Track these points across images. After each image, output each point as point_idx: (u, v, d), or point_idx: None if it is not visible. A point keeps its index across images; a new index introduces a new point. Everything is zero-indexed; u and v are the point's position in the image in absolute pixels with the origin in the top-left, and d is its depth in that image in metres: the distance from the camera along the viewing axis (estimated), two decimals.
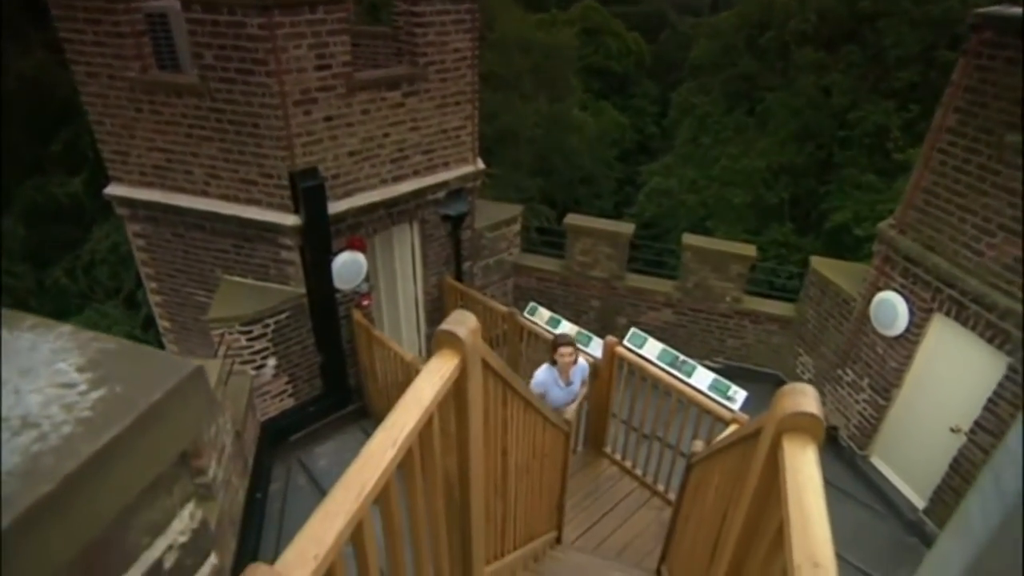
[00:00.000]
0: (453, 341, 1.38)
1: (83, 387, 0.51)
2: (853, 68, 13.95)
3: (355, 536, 1.10)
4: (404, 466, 1.28)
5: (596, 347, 5.39)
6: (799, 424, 1.20)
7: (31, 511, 0.41)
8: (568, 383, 4.34)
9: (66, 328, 0.58)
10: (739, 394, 4.40)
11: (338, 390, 6.13)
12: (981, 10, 4.16)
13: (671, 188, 16.72)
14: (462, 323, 1.39)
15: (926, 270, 4.84)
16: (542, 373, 4.30)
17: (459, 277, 6.65)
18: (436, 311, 6.71)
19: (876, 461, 5.62)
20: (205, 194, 5.25)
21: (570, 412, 4.28)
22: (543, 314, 6.14)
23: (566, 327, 5.82)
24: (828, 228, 13.53)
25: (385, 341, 5.44)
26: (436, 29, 5.40)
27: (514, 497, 2.54)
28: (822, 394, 6.20)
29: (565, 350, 4.18)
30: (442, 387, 1.31)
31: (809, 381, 6.25)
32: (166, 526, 0.57)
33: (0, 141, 9.79)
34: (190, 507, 0.60)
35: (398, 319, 6.70)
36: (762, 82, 15.90)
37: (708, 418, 4.29)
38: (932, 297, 4.84)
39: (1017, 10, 3.92)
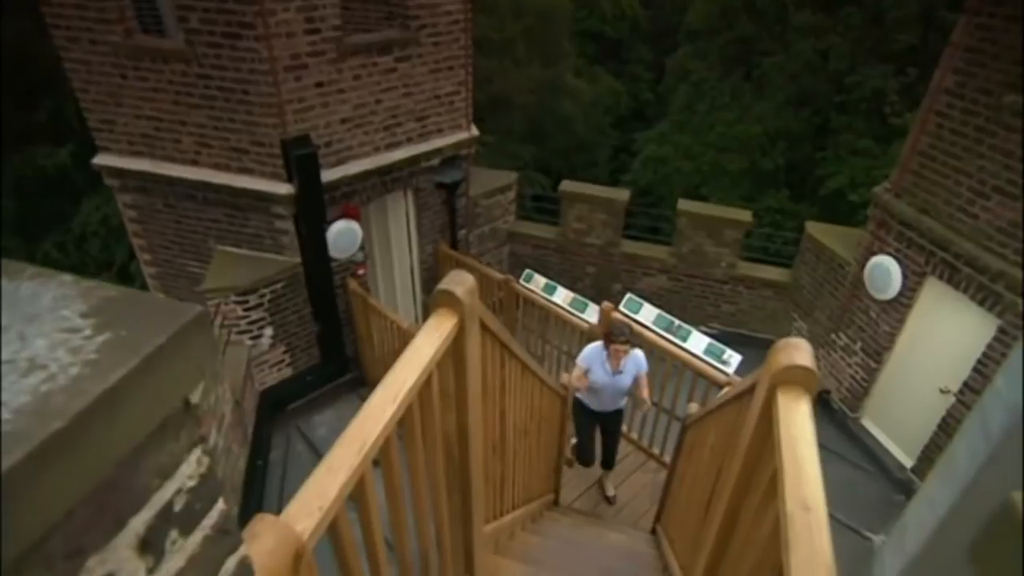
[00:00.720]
0: (451, 300, 1.38)
1: (88, 332, 0.51)
2: (852, 31, 13.73)
3: (357, 491, 1.12)
4: (404, 423, 1.30)
5: (592, 313, 5.41)
6: (793, 377, 1.22)
7: (45, 445, 0.41)
8: (617, 371, 3.95)
9: (67, 277, 0.58)
10: (734, 358, 4.45)
11: (335, 359, 6.17)
12: None
13: (666, 155, 16.59)
14: (460, 283, 1.40)
15: (920, 234, 4.86)
16: (591, 349, 4.02)
17: (454, 245, 6.64)
18: (432, 280, 6.71)
19: (867, 423, 5.73)
20: (195, 163, 5.18)
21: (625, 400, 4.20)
22: (539, 281, 6.15)
23: (562, 294, 5.84)
24: (823, 194, 13.49)
25: (381, 309, 5.46)
26: None
27: (512, 458, 2.58)
28: (815, 359, 6.28)
29: (620, 347, 3.83)
30: (441, 345, 1.32)
31: None
32: (174, 470, 0.58)
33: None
34: (197, 453, 0.61)
35: (394, 288, 6.70)
36: (759, 46, 15.65)
37: (703, 382, 4.36)
38: (926, 261, 4.87)
39: None
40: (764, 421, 1.25)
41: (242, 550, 0.72)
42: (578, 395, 4.17)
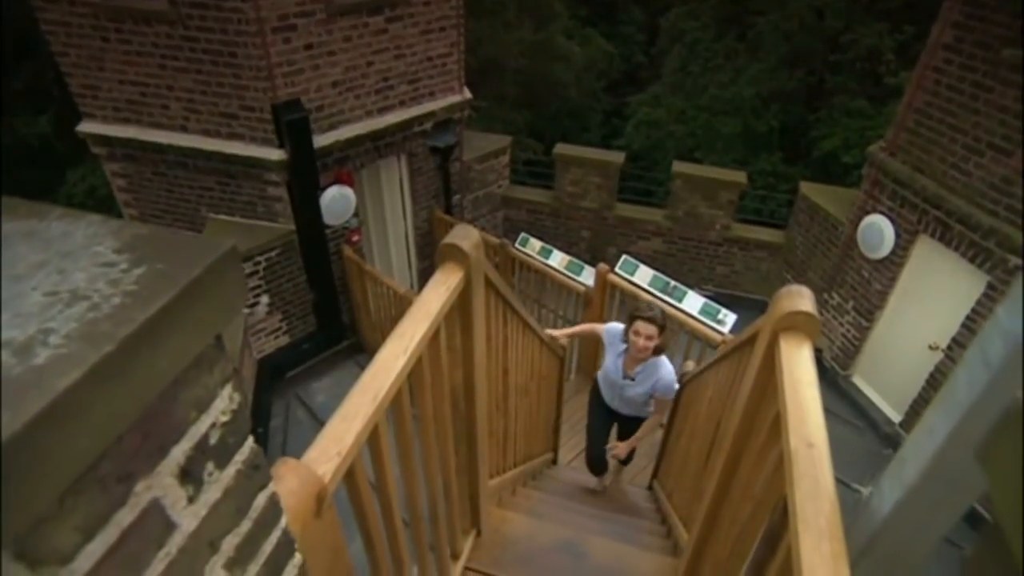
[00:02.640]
0: (457, 254, 1.39)
1: (124, 266, 0.52)
2: None
3: (371, 439, 1.15)
4: (414, 376, 1.32)
5: (588, 276, 5.44)
6: (795, 323, 1.25)
7: (98, 368, 0.43)
8: (629, 377, 3.14)
9: (95, 217, 0.58)
10: (729, 317, 4.50)
11: (332, 326, 6.19)
12: None
13: (659, 118, 16.43)
14: (466, 236, 1.41)
15: (914, 192, 4.88)
16: (612, 330, 3.22)
17: (449, 211, 6.60)
18: (427, 245, 6.69)
19: (857, 380, 5.85)
20: (184, 129, 5.09)
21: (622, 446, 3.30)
22: (534, 244, 6.15)
23: (558, 257, 5.85)
24: (817, 156, 13.47)
25: (377, 275, 5.46)
26: None
27: (514, 416, 2.63)
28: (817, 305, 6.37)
29: (643, 327, 2.89)
30: (448, 298, 1.34)
31: None
32: (210, 403, 0.60)
33: None
34: (228, 389, 0.62)
35: (388, 255, 6.68)
36: (754, 5, 15.36)
37: (698, 343, 4.42)
38: (918, 219, 4.90)
39: None
40: (767, 366, 1.29)
41: (271, 487, 0.75)
42: (598, 376, 3.46)
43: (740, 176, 6.70)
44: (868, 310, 5.53)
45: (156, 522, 0.55)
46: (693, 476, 2.40)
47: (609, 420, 3.55)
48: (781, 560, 1.05)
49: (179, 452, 0.57)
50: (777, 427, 1.17)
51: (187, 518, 0.59)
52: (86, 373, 0.42)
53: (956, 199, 4.54)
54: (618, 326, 3.21)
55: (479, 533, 2.09)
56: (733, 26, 16.09)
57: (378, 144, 5.62)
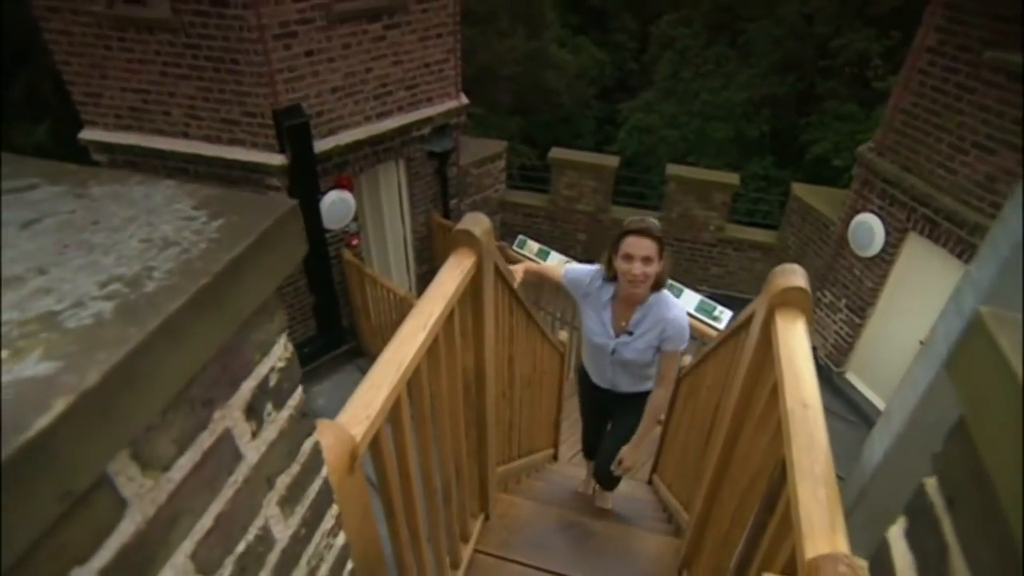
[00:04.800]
0: (470, 239, 1.47)
1: (204, 219, 0.59)
2: None
3: (393, 411, 1.21)
4: (431, 354, 1.40)
5: None
6: (790, 298, 1.33)
7: (196, 297, 0.50)
8: (626, 331, 2.30)
9: (169, 181, 0.65)
10: (725, 314, 4.59)
11: (332, 330, 6.24)
12: None
13: (652, 124, 16.60)
14: (477, 223, 1.48)
15: (903, 191, 5.00)
16: (580, 275, 2.39)
17: (447, 215, 6.68)
18: (425, 249, 6.77)
19: (851, 377, 5.94)
20: (186, 136, 5.16)
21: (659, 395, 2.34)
22: (532, 246, 6.24)
23: (556, 258, 5.93)
24: (808, 160, 13.65)
25: (377, 278, 5.53)
26: None
27: (519, 407, 2.70)
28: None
29: (636, 245, 2.06)
30: (462, 281, 1.41)
31: None
32: (270, 348, 0.67)
33: None
34: (284, 338, 0.70)
35: (387, 259, 6.75)
36: (744, 12, 15.60)
37: (695, 341, 4.50)
38: (907, 217, 5.02)
39: None
40: (764, 340, 1.37)
41: (315, 435, 0.82)
42: (583, 358, 2.70)
43: (733, 178, 6.82)
44: (860, 307, 5.64)
45: (228, 450, 0.62)
46: (693, 462, 2.47)
47: (596, 402, 2.77)
48: (780, 515, 1.12)
49: (246, 389, 0.64)
50: (775, 396, 1.25)
51: (251, 451, 0.66)
52: (188, 299, 0.49)
53: (943, 197, 4.65)
54: (586, 268, 2.40)
55: (487, 517, 2.16)
56: (724, 32, 16.32)
57: (377, 149, 5.70)
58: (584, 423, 3.13)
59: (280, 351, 0.69)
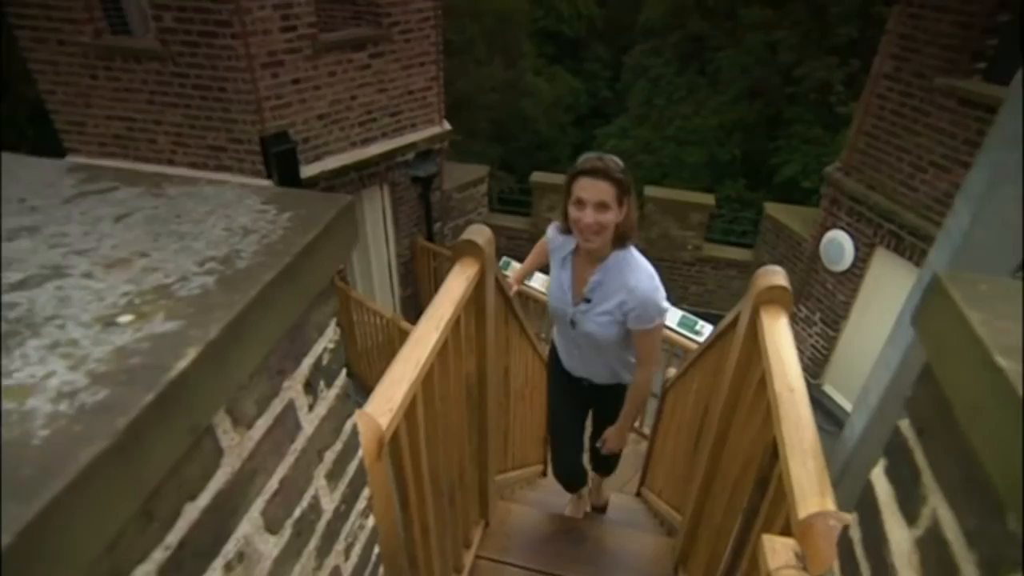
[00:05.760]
0: (473, 249, 1.56)
1: (274, 212, 0.67)
2: (798, 25, 14.39)
3: (410, 408, 1.28)
4: (441, 355, 1.47)
5: None
6: (773, 296, 1.44)
7: (282, 274, 0.58)
8: (584, 298, 1.91)
9: (235, 182, 0.74)
10: (706, 328, 4.73)
11: None
12: None
13: (627, 149, 17.00)
14: (480, 233, 1.58)
15: (869, 208, 5.24)
16: (552, 231, 2.10)
17: (430, 238, 6.77)
18: (409, 273, 6.83)
19: (828, 388, 6.11)
20: (171, 163, 5.20)
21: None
22: (516, 268, 6.34)
23: (538, 279, 6.04)
24: (778, 182, 14.11)
25: (364, 301, 5.56)
26: None
27: (514, 418, 2.76)
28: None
29: (588, 187, 1.71)
30: (468, 287, 1.50)
31: None
32: (325, 329, 0.75)
33: None
34: (334, 322, 0.78)
35: (371, 282, 6.79)
36: (712, 42, 16.23)
37: (677, 358, 4.63)
38: (874, 232, 5.26)
39: None
40: (750, 336, 1.47)
41: (355, 417, 0.89)
42: (553, 330, 2.27)
43: (709, 198, 7.06)
44: (834, 320, 5.84)
45: (291, 419, 0.70)
46: (683, 467, 2.55)
47: (579, 400, 2.28)
48: (773, 493, 1.22)
49: (307, 364, 0.71)
50: (762, 387, 1.35)
51: (307, 423, 0.74)
52: (277, 274, 0.57)
53: (906, 213, 4.90)
54: (552, 228, 2.08)
55: (487, 524, 2.21)
56: (693, 61, 16.93)
57: (362, 174, 5.79)
58: (553, 433, 2.46)
59: (331, 333, 0.77)
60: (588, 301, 1.91)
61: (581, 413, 2.39)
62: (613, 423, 2.17)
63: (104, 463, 0.38)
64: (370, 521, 1.00)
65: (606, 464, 2.55)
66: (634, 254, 1.86)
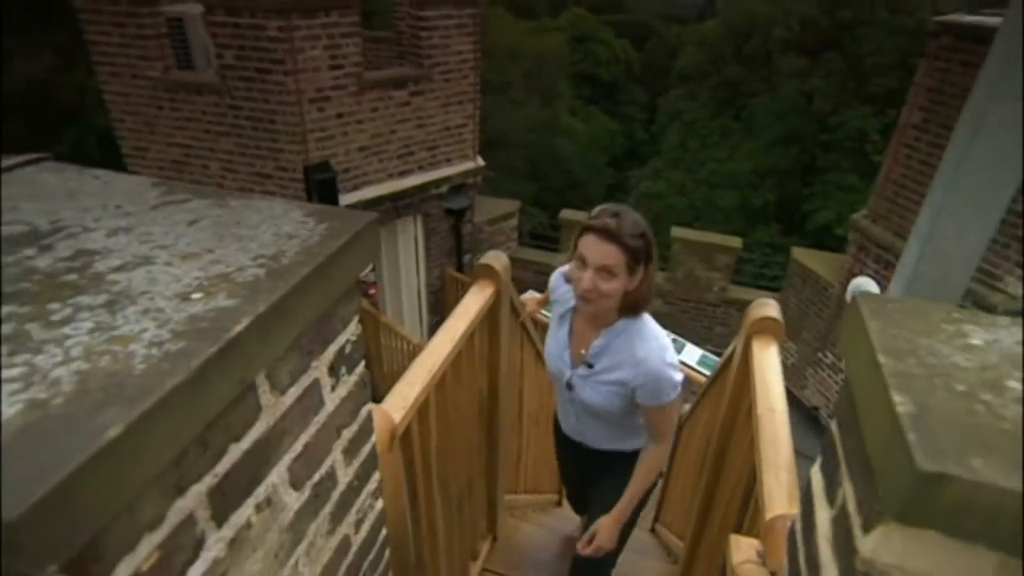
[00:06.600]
0: (489, 272, 1.71)
1: (312, 223, 0.83)
2: (834, 75, 14.50)
3: (422, 408, 1.41)
4: (454, 366, 1.60)
5: None
6: (764, 327, 1.54)
7: (316, 271, 0.73)
8: (585, 362, 1.67)
9: (281, 199, 0.90)
10: None
11: None
12: (938, 18, 4.59)
13: (660, 191, 17.16)
14: (497, 259, 1.72)
15: (896, 255, 5.23)
16: (556, 277, 1.81)
17: (460, 268, 6.98)
18: (438, 302, 7.02)
19: None
20: (221, 187, 5.54)
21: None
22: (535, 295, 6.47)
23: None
24: (811, 228, 14.01)
25: (392, 326, 5.75)
26: (440, 33, 5.75)
27: (526, 442, 2.86)
28: (804, 377, 6.59)
29: (592, 247, 1.46)
30: (483, 306, 1.64)
31: (792, 365, 6.63)
32: (348, 322, 0.89)
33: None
34: (356, 318, 0.92)
35: (401, 308, 7.00)
36: (747, 88, 16.44)
37: (694, 396, 4.64)
38: None
39: (970, 18, 4.34)
40: (744, 363, 1.57)
41: (370, 405, 1.03)
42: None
43: (736, 241, 7.11)
44: None
45: (316, 394, 0.84)
46: (690, 497, 2.60)
47: (579, 464, 2.03)
48: (753, 507, 1.30)
49: (332, 350, 0.86)
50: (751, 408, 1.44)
51: (329, 401, 0.87)
52: (312, 269, 0.72)
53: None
54: (557, 275, 1.81)
55: (495, 539, 2.29)
56: (729, 106, 17.14)
57: (397, 204, 6.06)
58: (563, 483, 2.47)
59: (353, 328, 0.91)
60: (590, 366, 1.66)
61: (578, 477, 2.15)
62: (601, 494, 1.78)
63: (180, 391, 0.53)
64: (379, 503, 1.12)
65: (599, 566, 1.86)
66: (646, 322, 1.65)
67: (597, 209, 1.51)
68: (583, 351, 1.67)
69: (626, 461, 1.75)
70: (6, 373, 0.52)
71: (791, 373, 6.55)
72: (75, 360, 0.54)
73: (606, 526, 1.69)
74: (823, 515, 0.72)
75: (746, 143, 16.01)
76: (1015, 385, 0.55)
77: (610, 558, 1.85)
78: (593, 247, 1.46)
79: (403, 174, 6.00)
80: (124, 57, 5.17)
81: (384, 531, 1.17)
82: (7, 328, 0.57)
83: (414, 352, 5.47)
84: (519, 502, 2.86)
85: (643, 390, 1.58)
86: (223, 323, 0.60)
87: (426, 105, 5.90)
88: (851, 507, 0.63)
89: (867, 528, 0.56)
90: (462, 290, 7.00)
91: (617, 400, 1.64)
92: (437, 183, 6.32)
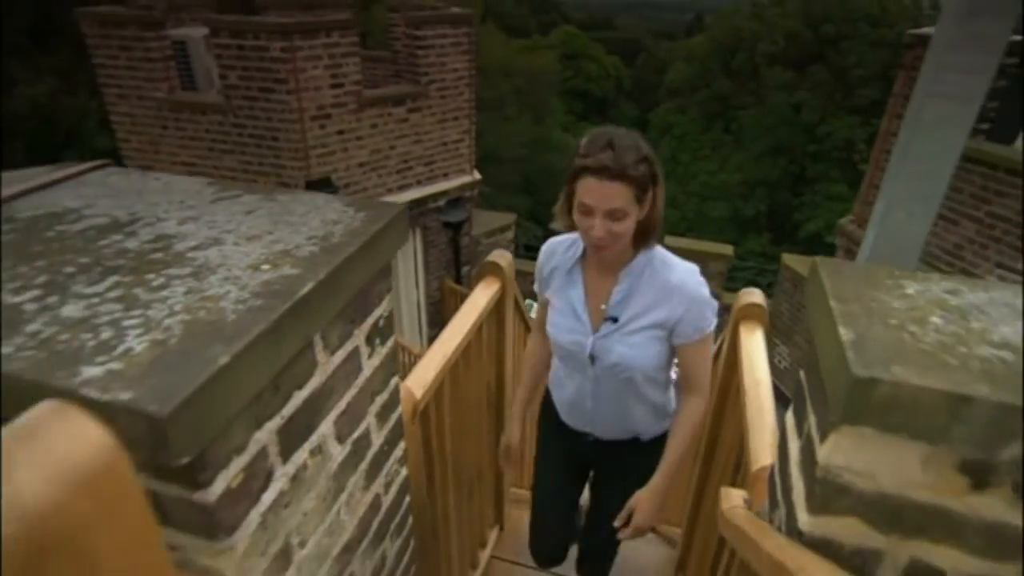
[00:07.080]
0: (495, 269, 1.84)
1: (352, 212, 0.96)
2: (820, 86, 14.84)
3: (438, 391, 1.54)
4: (465, 354, 1.73)
5: None
6: (750, 312, 1.68)
7: (362, 247, 0.86)
8: (609, 316, 1.45)
9: (321, 193, 1.04)
10: None
11: None
12: (913, 31, 4.80)
13: None
14: (502, 257, 1.86)
15: None
16: (551, 247, 1.67)
17: (459, 280, 7.11)
18: (437, 313, 7.14)
19: None
20: None
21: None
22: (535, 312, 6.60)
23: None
24: (802, 237, 14.24)
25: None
26: (436, 51, 5.94)
27: (530, 441, 2.96)
28: (797, 379, 6.72)
29: (593, 189, 1.28)
30: (490, 300, 1.77)
31: (785, 369, 6.77)
32: (383, 299, 1.02)
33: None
34: (389, 296, 1.05)
35: (400, 321, 7.11)
36: (736, 101, 16.77)
37: None
38: None
39: None
40: (732, 346, 1.70)
41: (397, 378, 1.16)
42: (549, 380, 1.77)
43: (727, 249, 7.26)
44: None
45: (356, 359, 0.96)
46: (684, 487, 2.71)
47: (577, 466, 1.81)
48: (743, 474, 1.42)
49: (369, 321, 0.98)
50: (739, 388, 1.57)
51: (367, 367, 1.00)
52: (359, 246, 0.85)
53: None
54: (561, 240, 1.62)
55: (502, 528, 2.40)
56: (718, 119, 17.47)
57: None
58: (536, 505, 1.90)
59: (386, 303, 1.04)
60: (614, 320, 1.45)
61: (575, 489, 1.85)
62: (619, 494, 1.55)
63: (264, 337, 0.66)
64: (404, 471, 1.24)
65: (602, 557, 1.78)
66: (661, 250, 1.45)
67: (585, 142, 1.33)
68: (603, 307, 1.47)
69: (635, 451, 1.59)
70: (128, 322, 0.64)
71: (783, 376, 6.68)
72: (179, 313, 0.67)
73: (646, 500, 1.50)
74: (794, 446, 0.85)
75: (736, 155, 16.31)
76: (937, 320, 0.69)
77: (614, 546, 1.77)
78: (595, 190, 1.29)
79: (402, 188, 6.16)
80: (131, 79, 5.33)
81: (407, 499, 1.29)
82: (118, 291, 0.70)
83: (414, 362, 5.57)
84: (524, 496, 2.96)
85: (686, 321, 1.38)
86: (292, 286, 0.73)
87: (423, 121, 6.07)
88: (814, 431, 0.76)
89: (823, 438, 0.69)
90: (461, 301, 7.12)
91: (655, 347, 1.43)
92: (435, 197, 6.48)
